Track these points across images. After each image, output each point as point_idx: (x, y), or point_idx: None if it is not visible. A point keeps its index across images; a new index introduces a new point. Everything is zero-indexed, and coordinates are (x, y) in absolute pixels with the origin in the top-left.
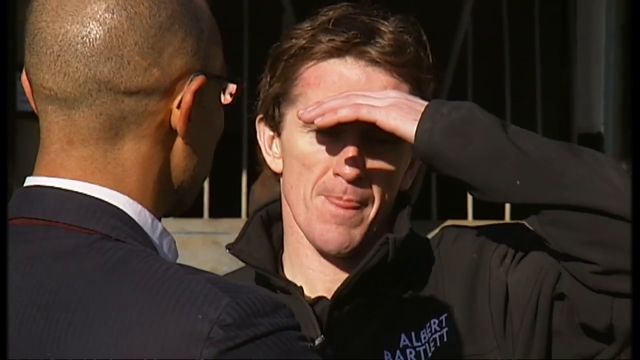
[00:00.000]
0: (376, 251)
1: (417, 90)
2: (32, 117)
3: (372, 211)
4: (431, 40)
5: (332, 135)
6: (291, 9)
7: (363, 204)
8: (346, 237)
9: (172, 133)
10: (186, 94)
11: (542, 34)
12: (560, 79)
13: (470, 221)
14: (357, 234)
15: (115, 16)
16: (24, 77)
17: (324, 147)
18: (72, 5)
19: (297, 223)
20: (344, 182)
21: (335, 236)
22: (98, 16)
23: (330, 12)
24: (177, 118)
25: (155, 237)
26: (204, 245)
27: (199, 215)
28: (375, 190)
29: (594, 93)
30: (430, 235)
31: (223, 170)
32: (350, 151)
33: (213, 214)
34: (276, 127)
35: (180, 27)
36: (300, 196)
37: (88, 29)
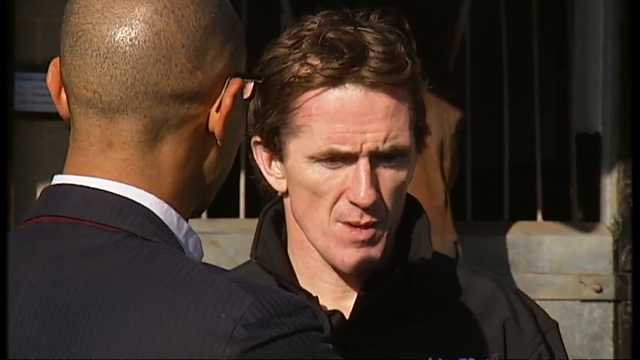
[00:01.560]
0: (398, 277)
1: (414, 102)
2: (29, 117)
3: (388, 226)
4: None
5: (342, 161)
6: (289, 9)
7: (380, 222)
8: (366, 258)
9: (208, 136)
10: (225, 97)
11: (540, 34)
12: (558, 79)
13: (468, 222)
14: (378, 251)
15: (163, 18)
16: (50, 78)
17: (334, 173)
18: (119, 7)
19: (313, 245)
20: (359, 208)
21: (357, 259)
22: (147, 18)
23: (314, 26)
24: (215, 121)
25: (181, 236)
26: (202, 245)
27: (197, 215)
28: (390, 205)
29: (592, 93)
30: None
31: None
32: (363, 178)
33: (211, 214)
34: (276, 153)
35: (221, 30)
36: (317, 223)
37: (137, 31)
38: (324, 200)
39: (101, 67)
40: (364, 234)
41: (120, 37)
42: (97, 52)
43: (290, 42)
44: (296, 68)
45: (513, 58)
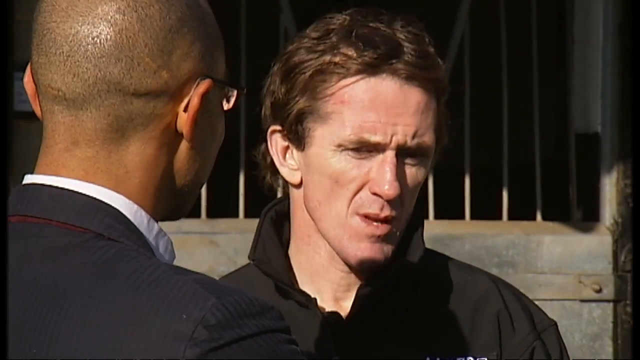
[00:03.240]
0: (393, 275)
1: (439, 106)
2: (29, 117)
3: (401, 224)
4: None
5: (368, 152)
6: (289, 9)
7: (395, 218)
8: (379, 254)
9: (177, 136)
10: (193, 97)
11: (539, 34)
12: (558, 79)
13: (467, 222)
14: (390, 248)
15: (126, 17)
16: (26, 78)
17: (359, 164)
18: (83, 6)
19: (324, 237)
20: (381, 200)
21: (370, 254)
22: (109, 17)
23: (342, 20)
24: (184, 121)
25: (151, 238)
26: (202, 245)
27: (196, 215)
28: (405, 203)
29: (591, 93)
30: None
31: (220, 170)
32: (389, 170)
33: (210, 214)
34: (299, 141)
35: (189, 30)
36: (333, 213)
37: (99, 30)
38: (346, 190)
39: (64, 65)
40: (381, 230)
41: (82, 35)
42: (61, 51)
43: (317, 34)
44: (329, 56)
45: (512, 58)
